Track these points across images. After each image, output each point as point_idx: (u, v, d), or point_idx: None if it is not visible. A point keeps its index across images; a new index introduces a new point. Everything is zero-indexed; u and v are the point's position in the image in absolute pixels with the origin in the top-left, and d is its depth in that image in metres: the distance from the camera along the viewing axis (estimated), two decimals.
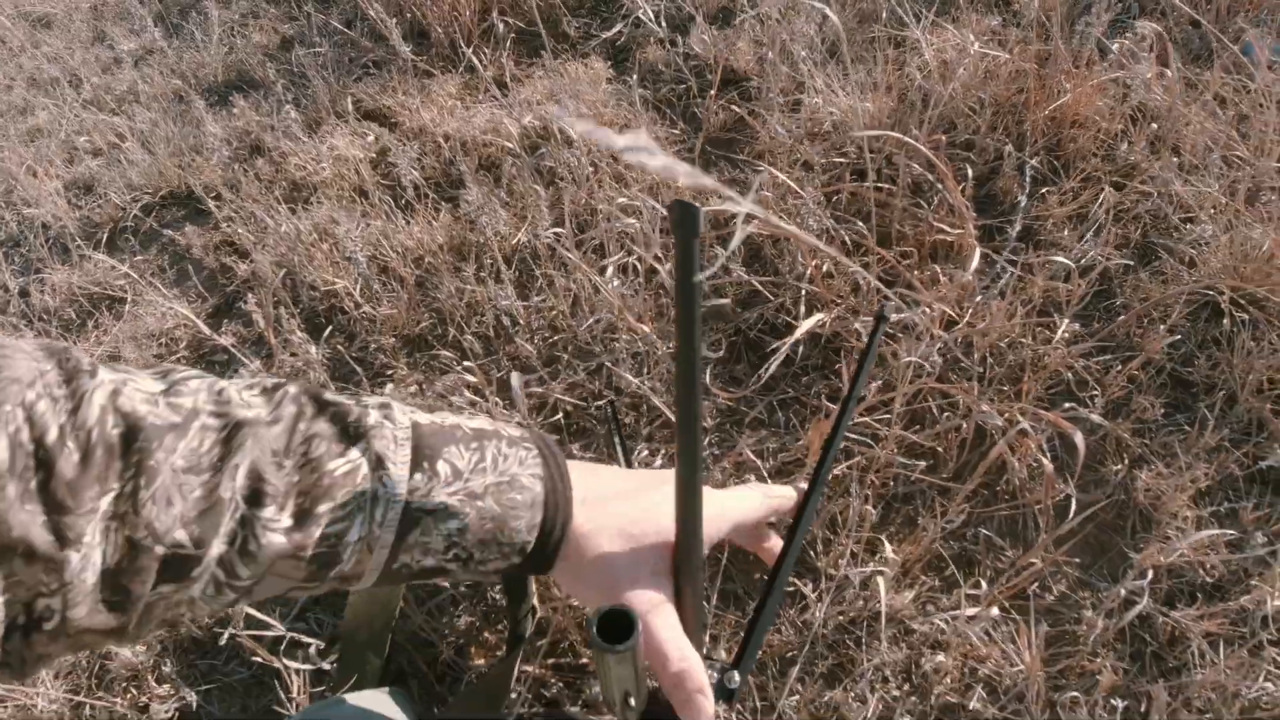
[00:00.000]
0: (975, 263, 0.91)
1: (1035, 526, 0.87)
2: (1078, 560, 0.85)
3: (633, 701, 0.42)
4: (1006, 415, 0.89)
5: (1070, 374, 0.95)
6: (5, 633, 0.31)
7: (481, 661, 0.85)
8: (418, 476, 0.39)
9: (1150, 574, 0.78)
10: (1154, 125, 1.17)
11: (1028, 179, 1.11)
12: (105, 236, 1.50)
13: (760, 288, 1.03)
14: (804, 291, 1.00)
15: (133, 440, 0.33)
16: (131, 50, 2.02)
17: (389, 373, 1.12)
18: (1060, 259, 0.95)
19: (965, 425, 0.87)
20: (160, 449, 0.33)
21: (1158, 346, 0.96)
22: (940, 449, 0.90)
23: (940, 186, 1.08)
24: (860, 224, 1.03)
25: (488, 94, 1.42)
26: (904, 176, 1.07)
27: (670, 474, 0.42)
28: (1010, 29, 1.31)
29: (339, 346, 1.18)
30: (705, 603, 0.57)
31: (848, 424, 0.59)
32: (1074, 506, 0.80)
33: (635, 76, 1.31)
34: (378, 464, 0.38)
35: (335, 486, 0.37)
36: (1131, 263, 1.06)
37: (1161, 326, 0.98)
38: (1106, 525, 0.88)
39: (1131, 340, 0.99)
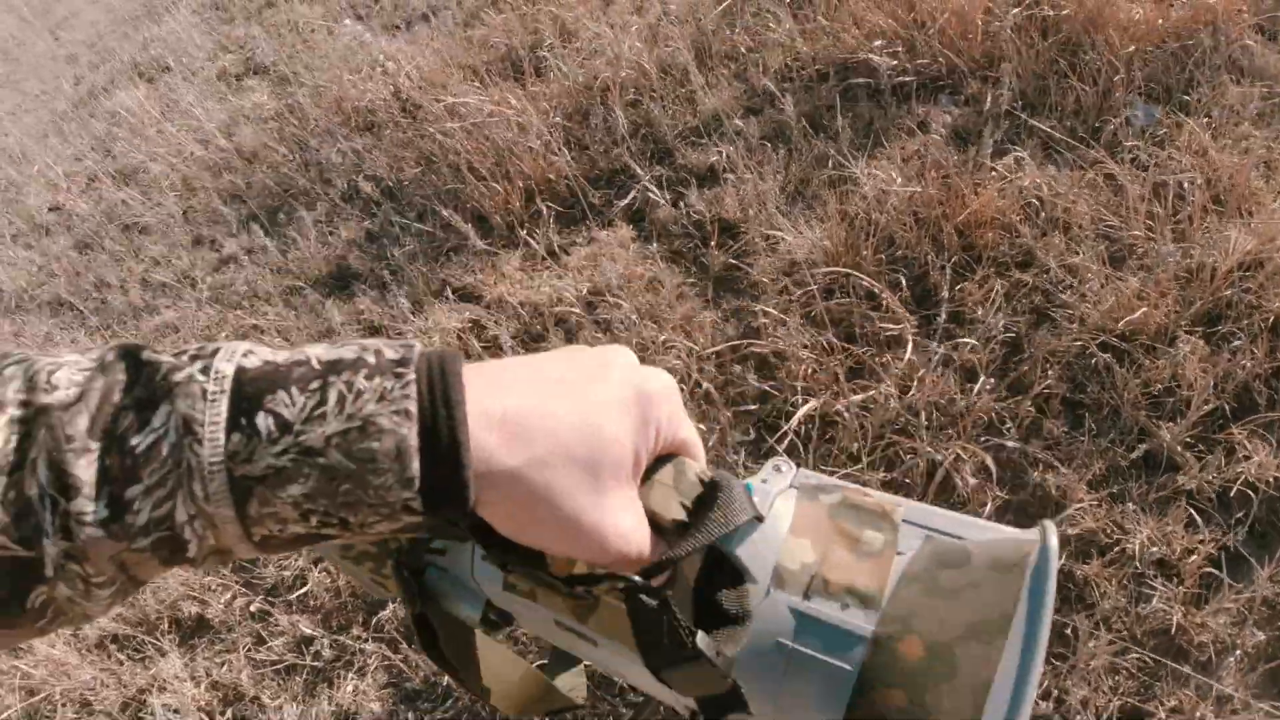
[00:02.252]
0: (909, 350, 1.34)
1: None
2: None
3: None
4: (947, 450, 1.30)
5: (992, 414, 1.37)
6: None
7: None
8: (236, 437, 0.31)
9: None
10: (1041, 214, 1.60)
11: (947, 277, 1.54)
12: None
13: (770, 389, 1.46)
14: (800, 386, 1.43)
15: None
16: (233, 252, 2.47)
17: None
18: (969, 340, 1.37)
19: (920, 462, 1.29)
20: None
21: (1055, 383, 1.37)
22: (908, 481, 1.32)
23: (883, 297, 1.51)
24: (831, 330, 1.46)
25: (544, 263, 1.90)
26: (857, 290, 1.50)
27: (583, 349, 0.38)
28: (928, 154, 1.76)
29: None
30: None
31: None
32: (996, 505, 1.20)
33: (655, 244, 1.76)
34: (185, 429, 0.30)
35: (138, 466, 0.30)
36: (1032, 326, 1.47)
37: (1056, 366, 1.39)
38: (1033, 515, 1.28)
39: (1035, 381, 1.40)
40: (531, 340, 1.77)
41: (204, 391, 0.31)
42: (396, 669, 1.48)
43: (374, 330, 1.99)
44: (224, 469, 0.31)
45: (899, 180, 1.64)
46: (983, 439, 1.32)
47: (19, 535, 0.30)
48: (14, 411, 0.31)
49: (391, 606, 1.53)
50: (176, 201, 2.73)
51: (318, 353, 0.33)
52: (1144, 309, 1.38)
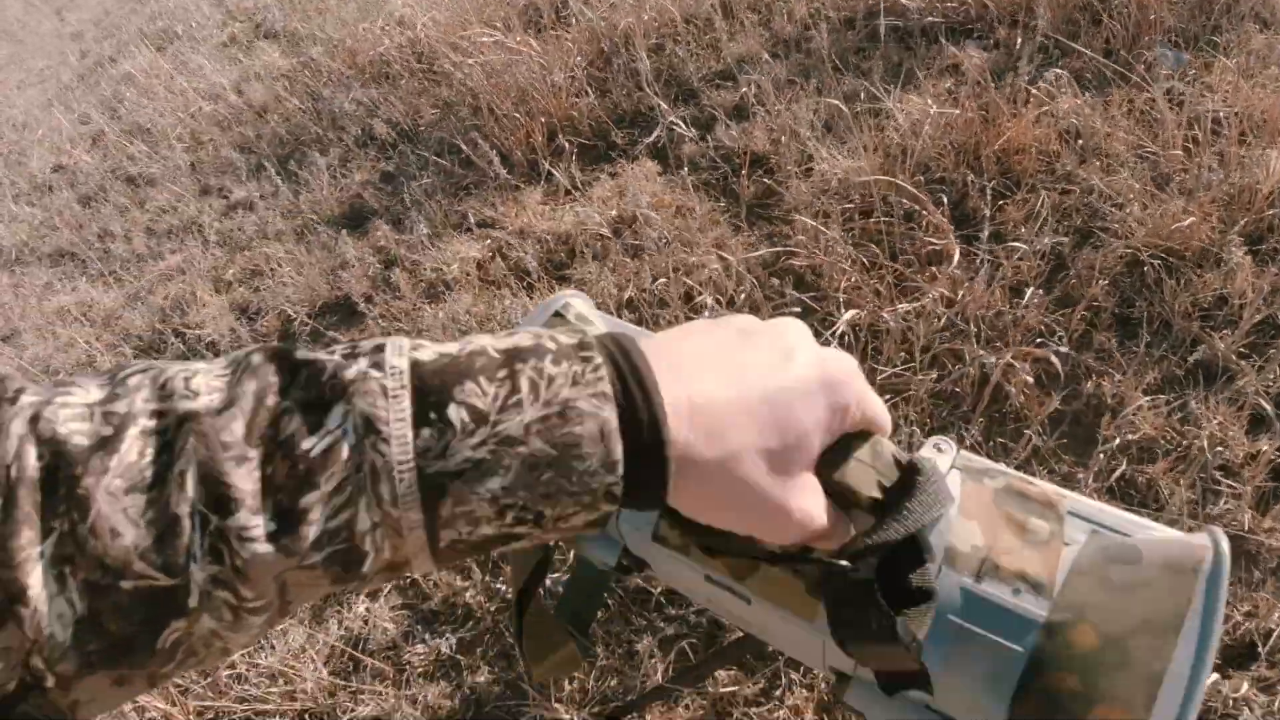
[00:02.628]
0: (956, 259, 1.29)
1: (1040, 434, 1.22)
2: (1066, 442, 1.20)
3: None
4: (998, 357, 1.25)
5: (1042, 326, 1.32)
6: (23, 694, 0.27)
7: None
8: (426, 433, 0.28)
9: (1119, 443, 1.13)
10: (1079, 141, 1.56)
11: (989, 197, 1.50)
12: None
13: (810, 302, 1.41)
14: (842, 299, 1.38)
15: (58, 469, 0.27)
16: (243, 197, 2.42)
17: None
18: (1019, 245, 1.33)
19: (971, 370, 1.23)
20: (88, 474, 0.27)
21: (1103, 298, 1.32)
22: (958, 390, 1.26)
23: (924, 214, 1.47)
24: (873, 246, 1.42)
25: (568, 196, 1.85)
26: (897, 210, 1.46)
27: (752, 320, 0.37)
28: (960, 87, 1.73)
29: None
30: None
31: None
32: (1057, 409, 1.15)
33: (685, 170, 1.72)
34: (367, 428, 0.28)
35: (314, 471, 0.28)
36: (1076, 246, 1.43)
37: (1104, 282, 1.34)
38: (1088, 424, 1.23)
39: (1083, 295, 1.35)
40: (555, 268, 1.72)
41: (383, 388, 0.29)
42: (412, 590, 1.41)
43: (390, 263, 1.93)
44: (414, 467, 0.28)
45: (934, 109, 1.61)
46: (1036, 344, 1.28)
47: (162, 561, 0.27)
48: (147, 423, 0.28)
49: None
50: (184, 153, 2.68)
51: (489, 342, 0.31)
52: (1191, 219, 1.34)
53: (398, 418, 0.28)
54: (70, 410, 0.28)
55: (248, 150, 2.55)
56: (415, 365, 0.30)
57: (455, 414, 0.29)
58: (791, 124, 1.68)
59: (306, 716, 1.35)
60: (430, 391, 0.29)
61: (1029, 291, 1.33)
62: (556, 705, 1.20)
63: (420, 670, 1.33)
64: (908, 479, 0.41)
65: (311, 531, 0.28)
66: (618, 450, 0.30)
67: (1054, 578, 0.45)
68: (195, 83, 2.96)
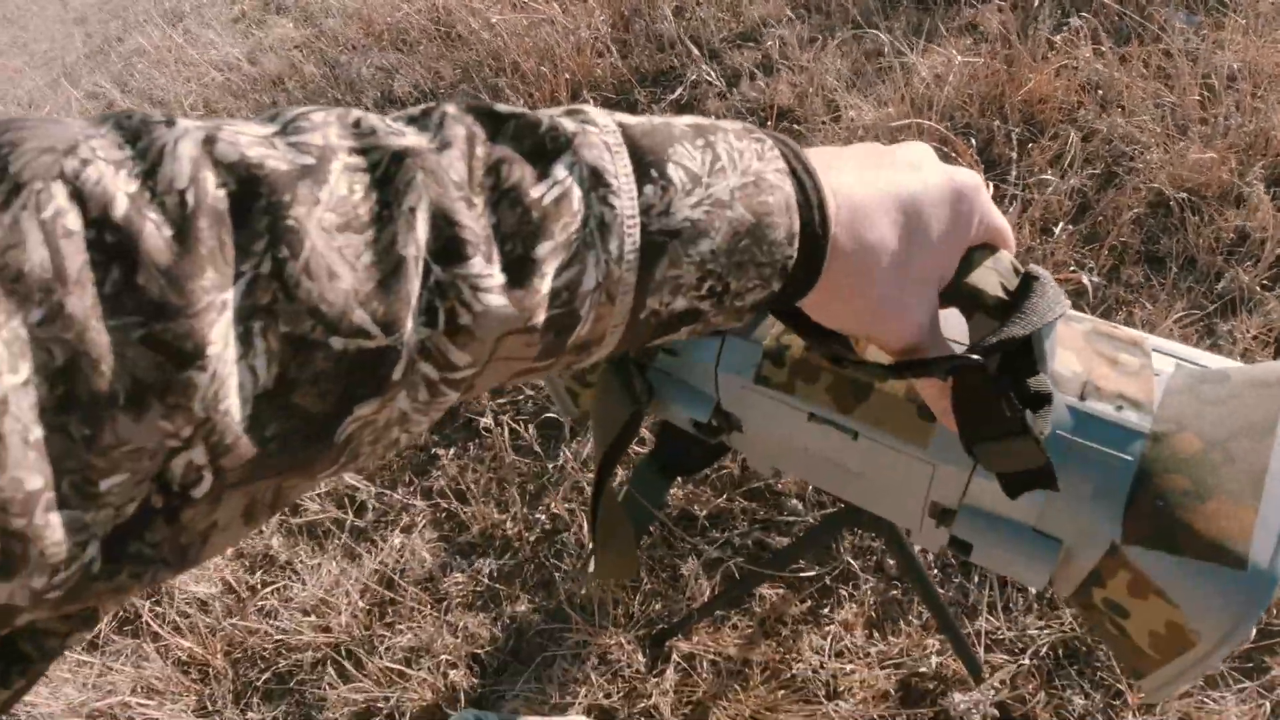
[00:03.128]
0: (990, 193, 1.31)
1: None
2: None
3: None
4: None
5: (1072, 260, 1.34)
6: (143, 522, 0.21)
7: None
8: (649, 190, 0.28)
9: None
10: (1099, 91, 1.60)
11: (1015, 142, 1.53)
12: None
13: None
14: None
15: (252, 198, 0.22)
16: None
17: None
18: (1051, 178, 1.35)
19: None
20: (297, 202, 0.22)
21: (1129, 236, 1.35)
22: None
23: (954, 155, 1.50)
24: None
25: None
26: None
27: (882, 146, 0.37)
28: (980, 44, 1.76)
29: None
30: None
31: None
32: None
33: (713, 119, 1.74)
34: (595, 180, 0.27)
35: (548, 219, 0.26)
36: (1099, 189, 1.46)
37: (1128, 223, 1.37)
38: None
39: (1110, 232, 1.38)
40: None
41: (605, 144, 0.28)
42: (449, 523, 1.42)
43: None
44: (639, 224, 0.28)
45: (959, 59, 1.63)
46: (1070, 270, 1.30)
47: (384, 310, 0.23)
48: (350, 159, 0.24)
49: (444, 463, 1.47)
50: (199, 119, 2.68)
51: (669, 119, 0.31)
52: (1213, 155, 1.38)
53: (624, 172, 0.28)
54: (247, 138, 0.23)
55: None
56: (623, 127, 0.29)
57: (674, 172, 0.29)
58: (820, 74, 1.70)
59: (341, 649, 1.35)
60: (646, 150, 0.28)
61: (1059, 227, 1.36)
62: (601, 630, 1.21)
63: (459, 600, 1.34)
64: (1028, 283, 0.43)
65: (545, 285, 0.26)
66: (797, 223, 0.31)
67: (1151, 398, 0.47)
68: (207, 54, 2.96)
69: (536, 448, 1.42)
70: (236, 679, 1.36)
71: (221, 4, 3.52)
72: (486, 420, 1.47)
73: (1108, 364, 0.49)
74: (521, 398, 1.52)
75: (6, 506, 0.18)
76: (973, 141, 1.49)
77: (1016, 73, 1.61)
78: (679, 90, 1.95)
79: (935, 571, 1.12)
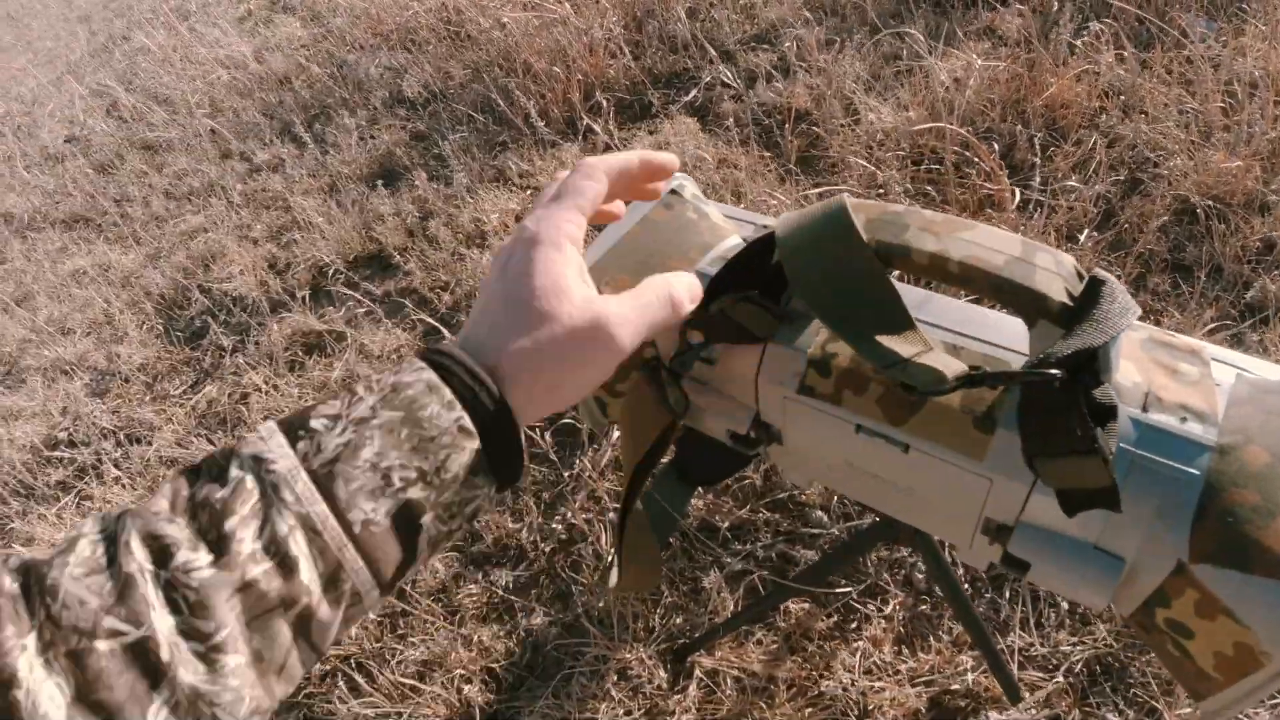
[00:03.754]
0: (1016, 200, 1.29)
1: None
2: None
3: None
4: None
5: (1101, 266, 1.32)
6: None
7: None
8: (301, 444, 0.35)
9: None
10: (1121, 97, 1.57)
11: (1037, 147, 1.50)
12: (308, 294, 1.88)
13: None
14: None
15: (29, 580, 0.32)
16: (267, 159, 2.38)
17: None
18: (1075, 185, 1.33)
19: None
20: (53, 569, 0.32)
21: (1155, 245, 1.33)
22: None
23: (977, 160, 1.47)
24: (930, 188, 1.42)
25: (608, 151, 1.84)
26: (948, 158, 1.46)
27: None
28: (999, 48, 1.74)
29: None
30: None
31: None
32: None
33: (730, 121, 1.72)
34: (255, 464, 0.34)
35: (230, 503, 0.33)
36: (1124, 196, 1.44)
37: (1154, 231, 1.35)
38: None
39: (1135, 240, 1.36)
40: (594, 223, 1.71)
41: (260, 437, 0.36)
42: (462, 534, 1.39)
43: (427, 215, 1.92)
44: (301, 468, 0.34)
45: (980, 62, 1.61)
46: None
47: (126, 612, 0.31)
48: (94, 535, 0.33)
49: None
50: (205, 118, 2.65)
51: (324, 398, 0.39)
52: (1238, 163, 1.36)
53: (278, 445, 0.35)
54: (38, 552, 0.34)
55: (271, 115, 2.52)
56: (276, 420, 0.37)
57: (316, 423, 0.36)
58: (838, 77, 1.68)
59: (351, 662, 1.32)
60: (294, 424, 0.36)
61: (1084, 234, 1.34)
62: (620, 644, 1.18)
63: (473, 612, 1.31)
64: (1095, 287, 0.41)
65: (244, 548, 0.33)
66: (447, 390, 0.36)
67: (1215, 409, 0.45)
68: (214, 52, 2.94)
69: (552, 455, 1.40)
70: None
71: (228, 2, 3.49)
72: None
73: (1167, 374, 0.47)
74: None
75: None
76: (995, 147, 1.47)
77: (1038, 77, 1.59)
78: (693, 92, 1.93)
79: (965, 586, 1.09)
